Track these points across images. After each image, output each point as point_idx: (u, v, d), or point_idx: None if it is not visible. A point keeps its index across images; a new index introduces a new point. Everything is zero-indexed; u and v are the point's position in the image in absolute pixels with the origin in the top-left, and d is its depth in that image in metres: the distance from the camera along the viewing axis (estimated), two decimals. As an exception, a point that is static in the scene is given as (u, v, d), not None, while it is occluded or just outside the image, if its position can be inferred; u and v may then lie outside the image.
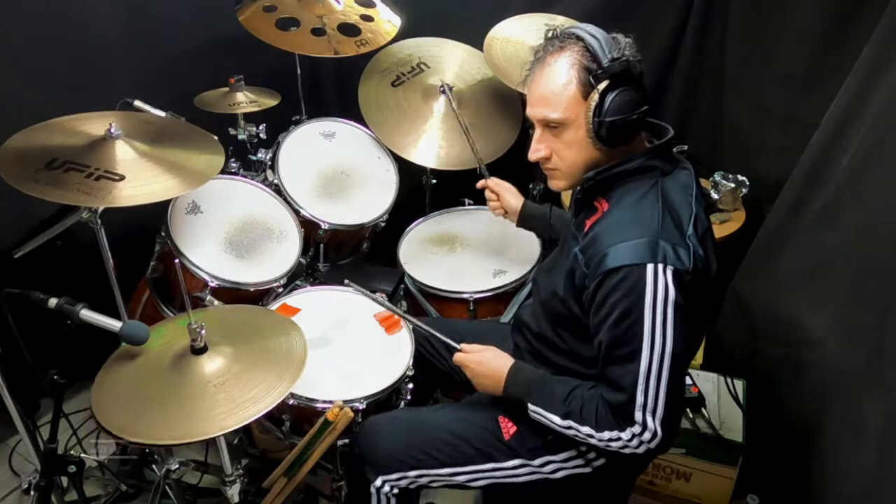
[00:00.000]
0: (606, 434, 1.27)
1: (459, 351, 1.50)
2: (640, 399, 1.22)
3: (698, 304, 1.24)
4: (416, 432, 1.51)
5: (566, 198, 2.40)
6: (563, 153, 1.34)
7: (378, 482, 1.47)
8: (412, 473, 1.48)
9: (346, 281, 1.70)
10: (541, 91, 1.31)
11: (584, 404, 1.30)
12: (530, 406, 1.37)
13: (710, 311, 1.44)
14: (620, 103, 1.25)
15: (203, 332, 1.30)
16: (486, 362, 1.46)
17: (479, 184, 1.93)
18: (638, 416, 1.23)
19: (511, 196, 1.87)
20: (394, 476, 1.47)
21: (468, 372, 1.48)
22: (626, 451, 1.27)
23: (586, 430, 1.29)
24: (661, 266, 1.19)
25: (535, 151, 1.37)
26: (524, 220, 1.84)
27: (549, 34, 1.33)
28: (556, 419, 1.33)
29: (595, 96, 1.25)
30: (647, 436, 1.23)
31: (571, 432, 1.32)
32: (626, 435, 1.25)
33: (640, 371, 1.21)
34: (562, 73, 1.28)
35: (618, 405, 1.25)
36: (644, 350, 1.20)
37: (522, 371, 1.43)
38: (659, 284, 1.18)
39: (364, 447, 1.52)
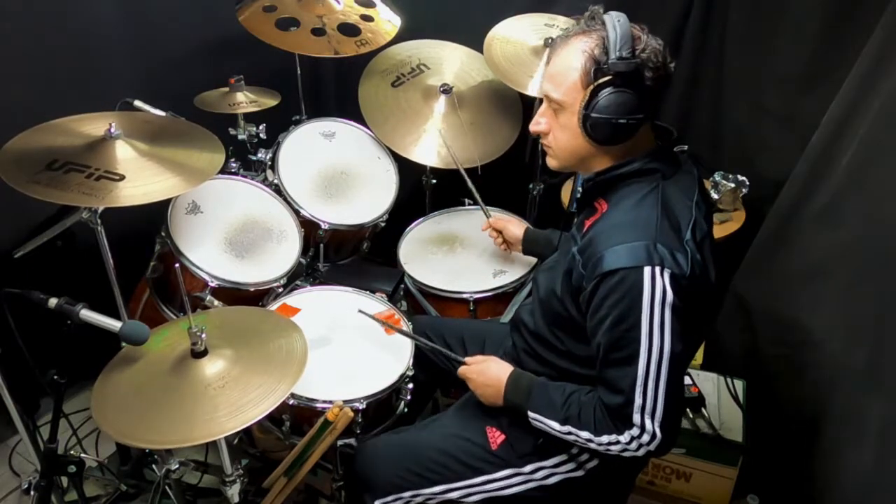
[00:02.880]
0: (605, 438, 1.27)
1: (464, 364, 1.51)
2: (638, 401, 1.21)
3: (697, 310, 1.23)
4: (408, 454, 1.51)
5: (566, 197, 2.40)
6: (557, 134, 1.35)
7: None
8: (406, 494, 1.48)
9: (360, 309, 1.72)
10: (552, 68, 1.32)
11: (582, 408, 1.30)
12: (530, 413, 1.36)
13: (710, 317, 1.44)
14: (610, 103, 1.24)
15: (203, 335, 1.30)
16: (487, 371, 1.47)
17: (483, 227, 1.97)
18: (636, 418, 1.22)
19: (513, 226, 1.91)
20: (389, 499, 1.49)
21: (471, 384, 1.49)
22: (626, 454, 1.27)
23: (585, 434, 1.29)
24: (657, 269, 1.18)
25: (535, 124, 1.38)
26: (528, 246, 1.87)
27: (588, 13, 1.32)
28: (556, 425, 1.33)
29: (590, 88, 1.25)
30: (645, 438, 1.23)
31: (571, 437, 1.32)
32: (624, 438, 1.24)
33: (638, 373, 1.20)
34: (573, 57, 1.27)
35: (615, 408, 1.24)
36: (642, 353, 1.20)
37: (521, 378, 1.42)
38: (656, 287, 1.18)
39: (359, 473, 1.53)
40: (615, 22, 1.25)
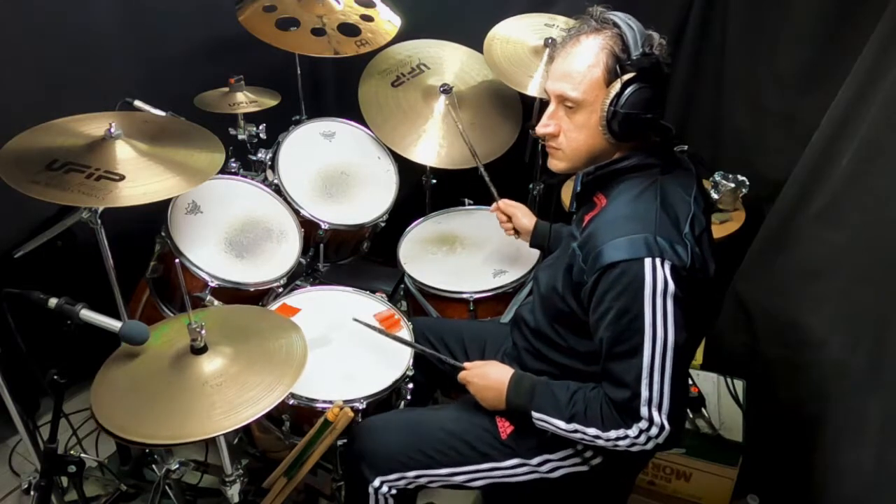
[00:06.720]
0: (613, 433, 1.26)
1: (463, 370, 1.50)
2: (644, 394, 1.21)
3: (697, 303, 1.23)
4: (415, 433, 1.51)
5: (566, 197, 2.40)
6: (571, 134, 1.33)
7: (376, 483, 1.47)
8: (410, 474, 1.47)
9: (354, 318, 1.71)
10: (566, 67, 1.31)
11: (588, 405, 1.29)
12: (534, 414, 1.36)
13: (710, 312, 1.44)
14: (639, 99, 1.24)
15: (203, 332, 1.29)
16: (487, 375, 1.46)
17: (492, 208, 1.94)
18: (644, 411, 1.22)
19: (523, 216, 1.87)
20: (392, 476, 1.47)
21: (471, 388, 1.48)
22: (635, 448, 1.26)
23: (592, 431, 1.28)
24: (658, 260, 1.18)
25: (545, 126, 1.36)
26: (537, 239, 1.84)
27: (588, 14, 1.32)
28: (561, 423, 1.32)
29: (617, 85, 1.25)
30: (654, 431, 1.23)
31: (578, 435, 1.31)
32: (633, 432, 1.24)
33: (643, 366, 1.20)
34: (591, 55, 1.27)
35: (622, 402, 1.24)
36: (646, 345, 1.20)
37: (524, 379, 1.41)
38: (658, 278, 1.18)
39: (362, 447, 1.51)
40: (627, 20, 1.27)
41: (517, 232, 1.89)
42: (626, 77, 1.24)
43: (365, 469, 1.48)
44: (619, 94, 1.24)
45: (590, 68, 1.27)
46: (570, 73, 1.29)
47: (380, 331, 1.69)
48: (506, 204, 1.90)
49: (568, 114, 1.32)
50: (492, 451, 1.47)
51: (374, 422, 1.55)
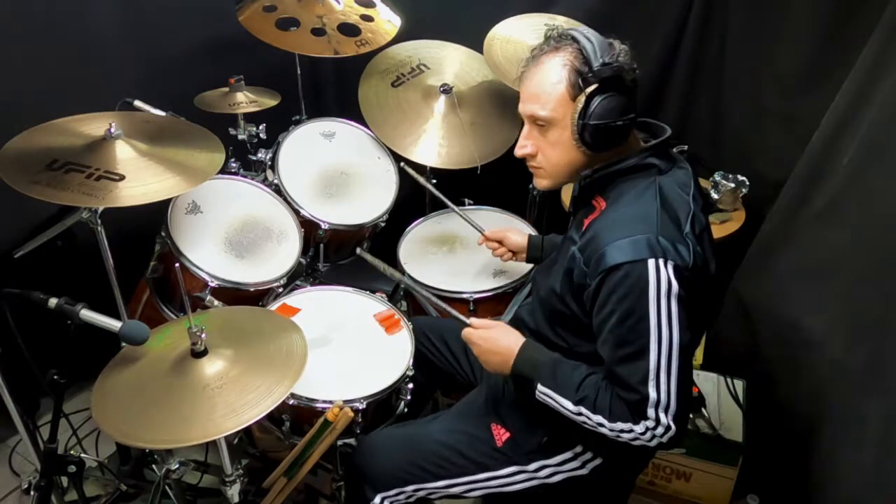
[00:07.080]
0: (619, 425, 1.25)
1: (469, 326, 1.48)
2: (652, 396, 1.21)
3: (699, 302, 1.23)
4: (411, 447, 1.51)
5: (566, 198, 2.40)
6: (548, 152, 1.36)
7: (377, 500, 1.48)
8: (409, 488, 1.48)
9: (359, 251, 1.73)
10: (532, 88, 1.34)
11: (599, 393, 1.28)
12: (539, 387, 1.33)
13: (710, 311, 1.44)
14: (606, 108, 1.26)
15: (203, 335, 1.29)
16: (495, 338, 1.43)
17: (479, 241, 1.94)
18: (651, 412, 1.22)
19: (515, 235, 1.86)
20: (391, 492, 1.48)
21: (475, 349, 1.45)
22: (637, 443, 1.26)
23: (598, 418, 1.27)
24: (661, 261, 1.18)
25: (522, 147, 1.39)
26: (532, 253, 1.83)
27: (548, 34, 1.35)
28: (568, 404, 1.30)
29: (582, 98, 1.27)
30: (660, 430, 1.23)
31: (581, 419, 1.30)
32: (639, 428, 1.24)
33: (649, 368, 1.20)
34: (554, 73, 1.30)
35: (630, 403, 1.24)
36: (652, 346, 1.19)
37: (534, 350, 1.39)
38: (662, 279, 1.18)
39: (362, 469, 1.52)
40: (586, 33, 1.29)
41: (514, 254, 1.88)
42: (590, 89, 1.26)
43: (366, 489, 1.50)
44: (585, 107, 1.26)
45: (554, 86, 1.29)
46: (537, 94, 1.32)
47: (383, 268, 1.71)
48: (491, 232, 1.90)
49: (542, 132, 1.35)
50: (487, 461, 1.47)
51: (372, 440, 1.56)
